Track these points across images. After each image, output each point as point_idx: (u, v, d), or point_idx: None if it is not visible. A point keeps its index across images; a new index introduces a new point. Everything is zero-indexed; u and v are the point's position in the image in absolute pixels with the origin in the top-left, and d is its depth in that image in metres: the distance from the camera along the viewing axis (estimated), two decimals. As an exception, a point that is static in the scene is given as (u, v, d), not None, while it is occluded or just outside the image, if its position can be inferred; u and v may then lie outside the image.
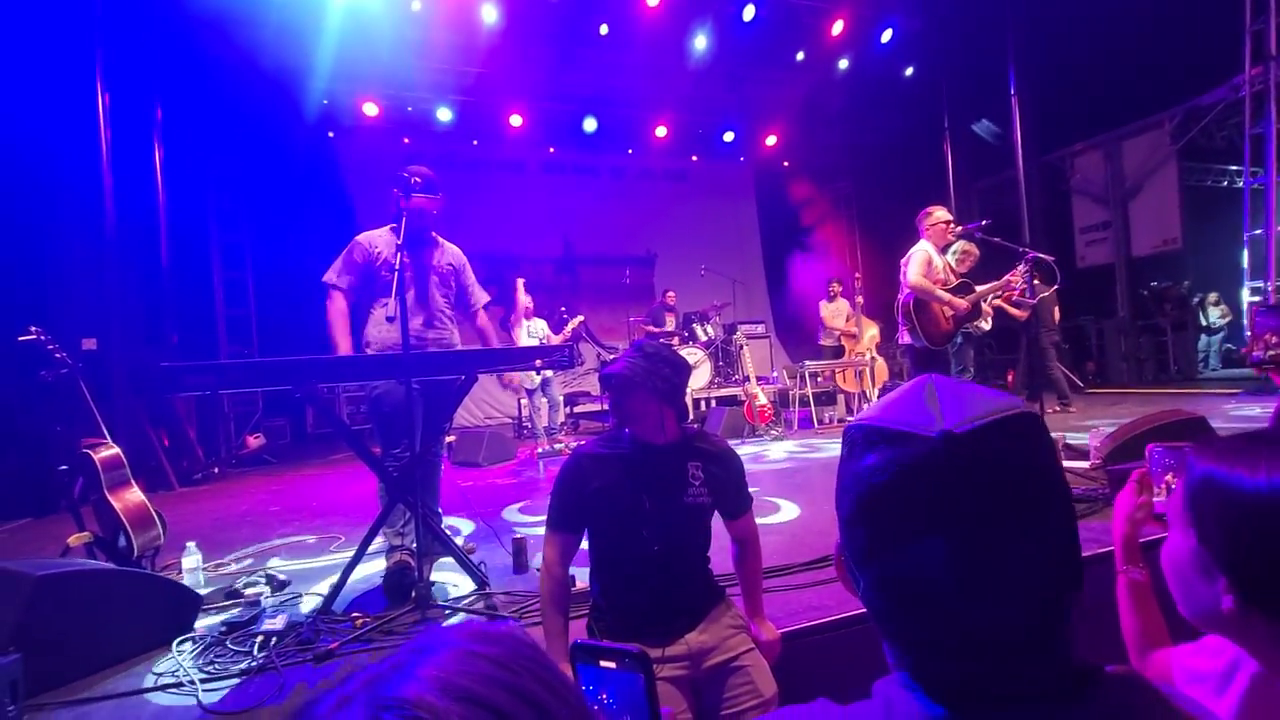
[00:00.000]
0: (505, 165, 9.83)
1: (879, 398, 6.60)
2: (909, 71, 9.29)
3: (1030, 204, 8.62)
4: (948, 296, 3.80)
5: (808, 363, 7.11)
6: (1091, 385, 8.77)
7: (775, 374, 8.15)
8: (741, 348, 7.02)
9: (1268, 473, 0.61)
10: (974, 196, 9.70)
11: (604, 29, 7.73)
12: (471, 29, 7.46)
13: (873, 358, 7.28)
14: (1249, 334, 5.58)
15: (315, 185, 8.57)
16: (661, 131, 10.05)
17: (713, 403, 7.55)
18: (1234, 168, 9.34)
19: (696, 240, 10.51)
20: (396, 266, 2.30)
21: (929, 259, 3.85)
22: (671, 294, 8.21)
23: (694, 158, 11.02)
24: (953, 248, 4.11)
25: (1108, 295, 9.68)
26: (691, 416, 7.00)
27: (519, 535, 2.76)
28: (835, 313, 7.85)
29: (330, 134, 8.82)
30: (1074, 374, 7.87)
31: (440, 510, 2.96)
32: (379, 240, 2.81)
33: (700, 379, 7.60)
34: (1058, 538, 0.49)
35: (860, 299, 7.44)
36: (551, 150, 10.07)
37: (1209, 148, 9.11)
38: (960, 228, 4.07)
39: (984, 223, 4.03)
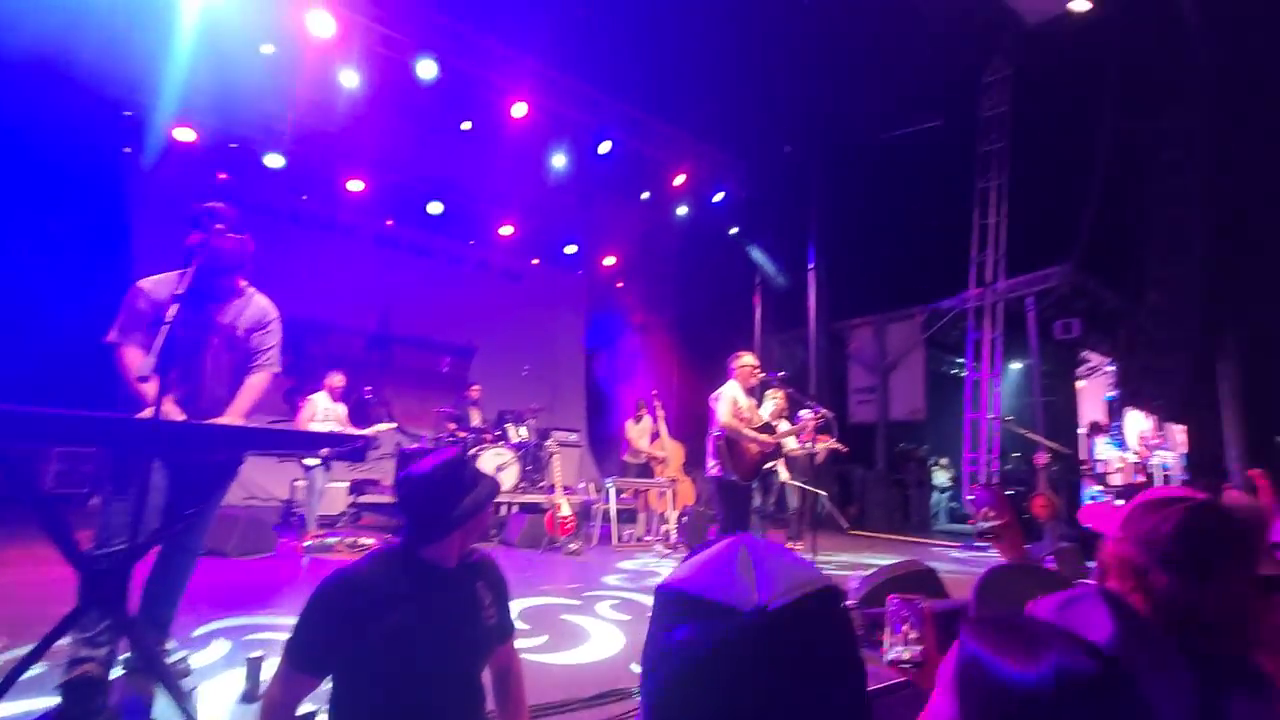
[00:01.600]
0: (333, 228, 9.25)
1: (678, 523, 6.85)
2: (733, 231, 10.59)
3: (818, 363, 9.94)
4: (755, 435, 4.12)
5: (614, 479, 7.20)
6: (852, 528, 9.90)
7: (582, 485, 8.12)
8: (552, 455, 6.94)
9: (1034, 667, 0.65)
10: (774, 347, 10.98)
11: (467, 125, 7.91)
12: (327, 86, 7.20)
13: (677, 480, 7.57)
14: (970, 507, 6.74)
15: (86, 203, 7.28)
16: (507, 230, 10.23)
17: (515, 508, 7.26)
18: (961, 360, 11.70)
19: (522, 341, 10.49)
20: (167, 319, 1.92)
21: (735, 399, 4.19)
22: (476, 388, 7.92)
23: (534, 261, 11.28)
24: (769, 395, 4.54)
25: (870, 449, 11.23)
26: (492, 520, 6.67)
27: (256, 655, 2.29)
28: (640, 433, 8.05)
29: (127, 149, 7.70)
30: (841, 514, 8.83)
31: (169, 627, 2.38)
32: (164, 287, 2.32)
33: (507, 481, 7.31)
34: (855, 706, 0.50)
35: (663, 420, 7.74)
36: (389, 223, 9.72)
37: (946, 341, 11.32)
38: (764, 374, 4.53)
39: (781, 374, 4.53)
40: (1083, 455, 8.23)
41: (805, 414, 4.69)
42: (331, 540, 5.51)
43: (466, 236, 10.33)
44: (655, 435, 7.80)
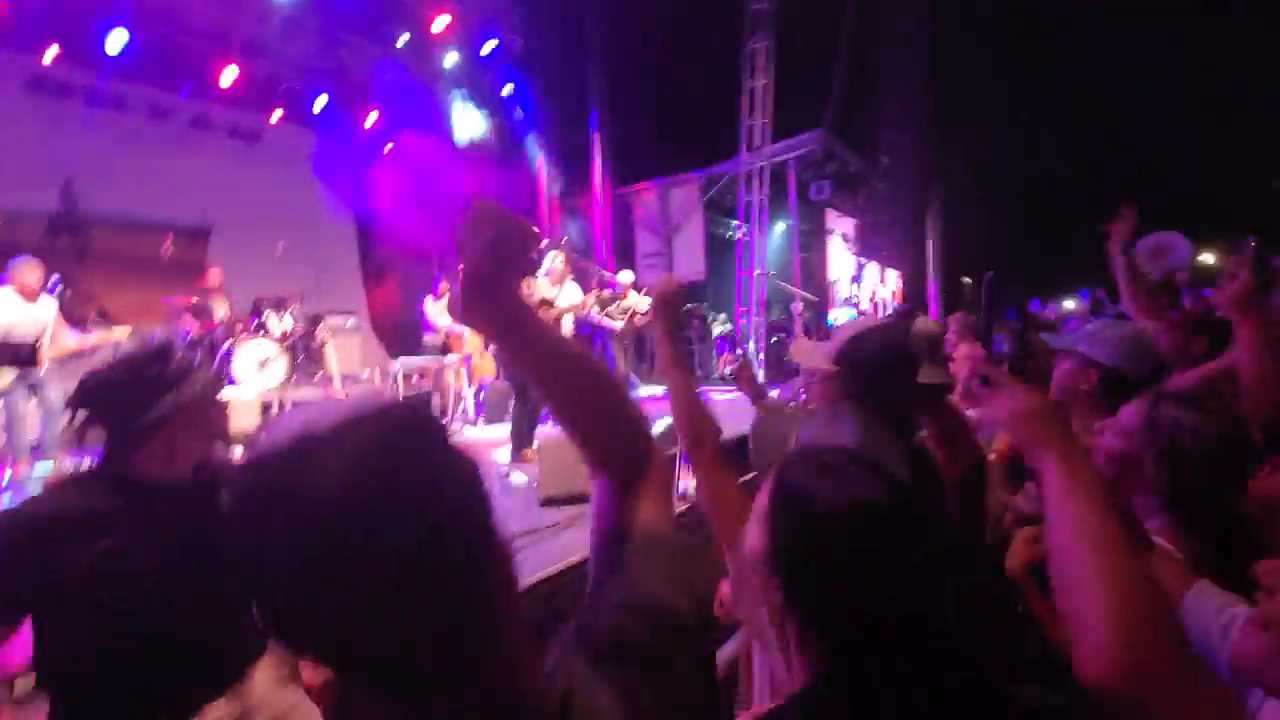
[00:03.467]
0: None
1: (475, 399, 6.74)
2: (508, 89, 9.78)
3: (606, 228, 10.01)
4: (541, 313, 4.04)
5: (401, 359, 6.77)
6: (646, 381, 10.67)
7: (366, 373, 7.54)
8: (325, 342, 6.28)
9: (839, 494, 0.73)
10: (561, 214, 10.78)
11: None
12: None
13: (472, 355, 7.29)
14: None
15: None
16: (231, 74, 8.23)
17: (288, 406, 6.55)
18: (734, 222, 12.60)
19: (272, 215, 8.91)
20: None
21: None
22: (216, 271, 6.69)
23: (275, 116, 9.39)
24: (550, 256, 4.41)
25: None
26: (260, 421, 5.95)
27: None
28: (441, 310, 7.50)
29: None
30: (637, 370, 9.42)
31: None
32: None
33: (273, 379, 6.50)
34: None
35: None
36: (50, 60, 7.29)
37: (722, 204, 12.03)
38: (547, 241, 4.40)
39: (565, 239, 4.45)
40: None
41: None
42: (46, 470, 4.52)
43: (175, 82, 8.18)
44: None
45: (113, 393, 1.27)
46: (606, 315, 6.31)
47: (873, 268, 11.18)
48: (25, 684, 1.50)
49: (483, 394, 6.70)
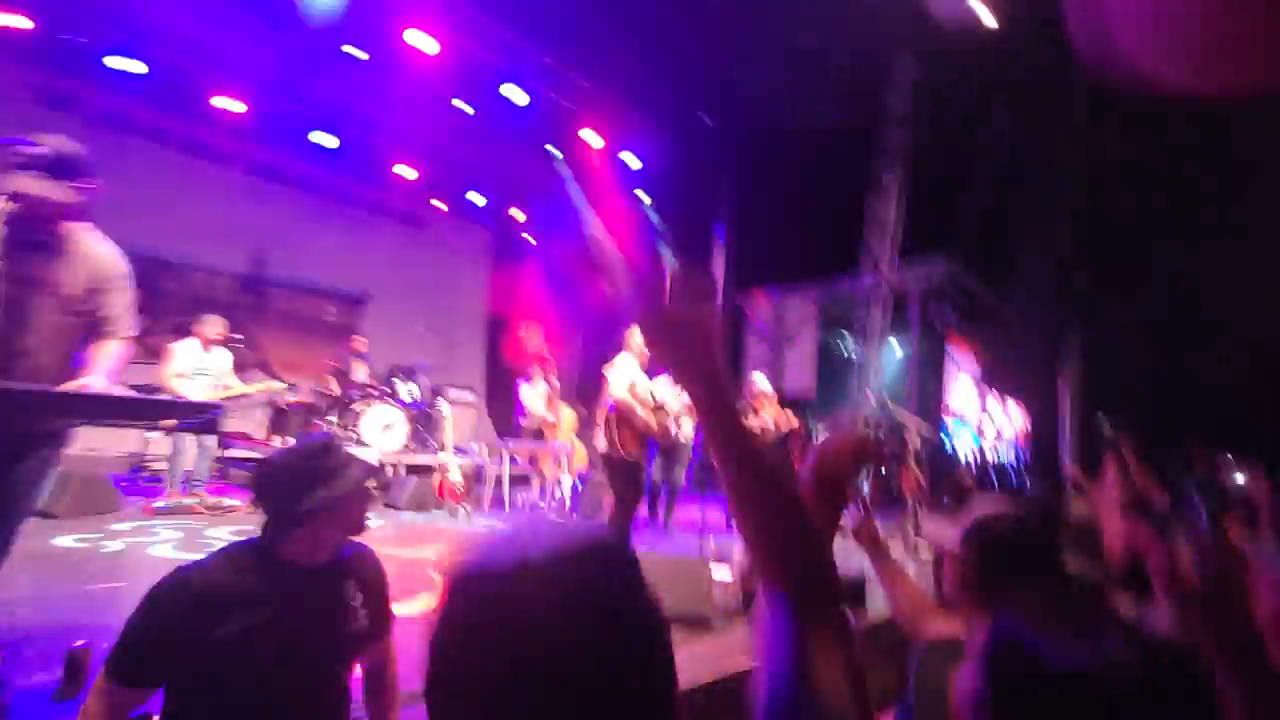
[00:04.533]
0: (202, 151, 8.22)
1: (573, 490, 6.83)
2: (647, 201, 10.48)
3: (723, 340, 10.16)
4: (648, 414, 4.10)
5: (510, 442, 7.04)
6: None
7: (475, 448, 7.87)
8: (444, 415, 6.68)
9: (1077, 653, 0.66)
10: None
11: (360, 53, 7.17)
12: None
13: (572, 444, 7.47)
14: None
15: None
16: (407, 172, 9.50)
17: (403, 470, 6.96)
18: (849, 337, 12.35)
19: (419, 293, 9.93)
20: None
21: (629, 371, 4.14)
22: (361, 339, 7.43)
23: (438, 204, 10.58)
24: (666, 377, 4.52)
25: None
26: (377, 482, 6.34)
27: (81, 645, 2.02)
28: (535, 396, 7.77)
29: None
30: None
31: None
32: None
33: (394, 442, 6.97)
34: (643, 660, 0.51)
35: (556, 383, 7.58)
36: (269, 152, 8.75)
37: (839, 319, 11.89)
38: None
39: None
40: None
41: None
42: (189, 500, 5.04)
43: (361, 175, 9.52)
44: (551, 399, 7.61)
45: (278, 481, 1.42)
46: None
47: (996, 403, 10.51)
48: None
49: (579, 485, 6.78)
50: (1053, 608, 1.21)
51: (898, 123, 9.24)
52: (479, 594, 0.50)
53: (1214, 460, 4.90)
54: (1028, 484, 8.91)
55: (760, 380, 6.26)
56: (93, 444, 6.72)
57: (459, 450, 6.89)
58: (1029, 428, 10.94)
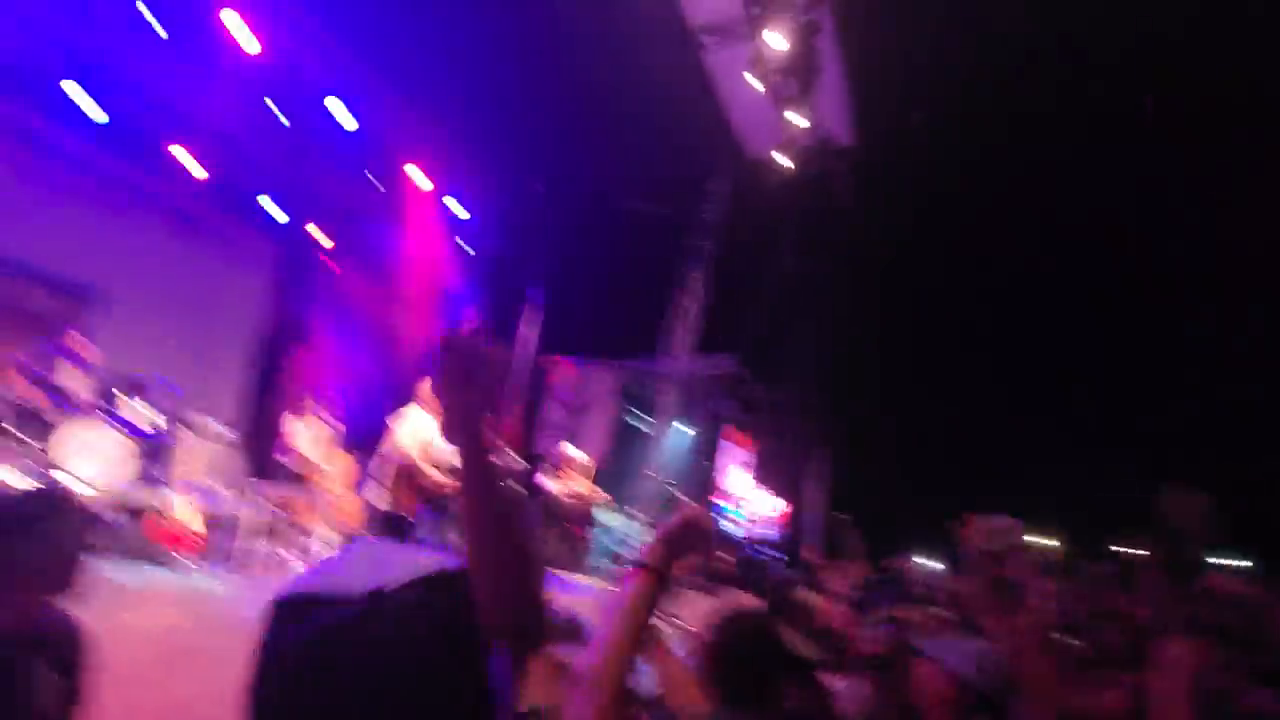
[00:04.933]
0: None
1: (339, 548, 6.09)
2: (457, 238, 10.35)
3: (519, 394, 10.12)
4: (437, 476, 3.86)
5: (265, 485, 6.15)
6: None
7: (215, 486, 6.68)
8: (179, 444, 5.66)
9: None
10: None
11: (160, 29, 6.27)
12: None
13: (342, 497, 6.68)
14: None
15: None
16: (196, 168, 8.14)
17: (123, 515, 5.65)
18: (642, 415, 13.00)
19: (177, 301, 8.44)
20: None
21: (419, 427, 3.92)
22: (79, 338, 6.02)
23: (221, 208, 9.24)
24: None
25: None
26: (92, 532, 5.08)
27: None
28: (306, 435, 6.68)
29: None
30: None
31: None
32: None
33: (106, 472, 5.65)
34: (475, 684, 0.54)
35: (336, 425, 6.87)
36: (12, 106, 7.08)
37: (637, 396, 12.49)
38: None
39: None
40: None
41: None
42: None
43: (131, 151, 8.03)
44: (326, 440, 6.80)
45: None
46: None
47: (760, 491, 11.71)
48: None
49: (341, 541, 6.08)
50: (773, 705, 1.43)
51: (707, 230, 10.34)
52: (325, 624, 0.50)
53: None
54: (778, 563, 9.98)
55: (571, 449, 6.34)
56: None
57: (195, 488, 5.84)
58: (785, 516, 12.31)
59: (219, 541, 5.65)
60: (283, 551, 6.12)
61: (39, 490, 1.22)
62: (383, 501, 3.78)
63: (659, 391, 10.57)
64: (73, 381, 5.87)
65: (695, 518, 1.19)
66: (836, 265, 11.25)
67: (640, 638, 1.06)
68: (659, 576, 1.08)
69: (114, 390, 6.26)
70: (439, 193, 9.49)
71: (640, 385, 12.03)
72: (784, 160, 8.56)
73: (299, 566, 5.96)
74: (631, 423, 13.59)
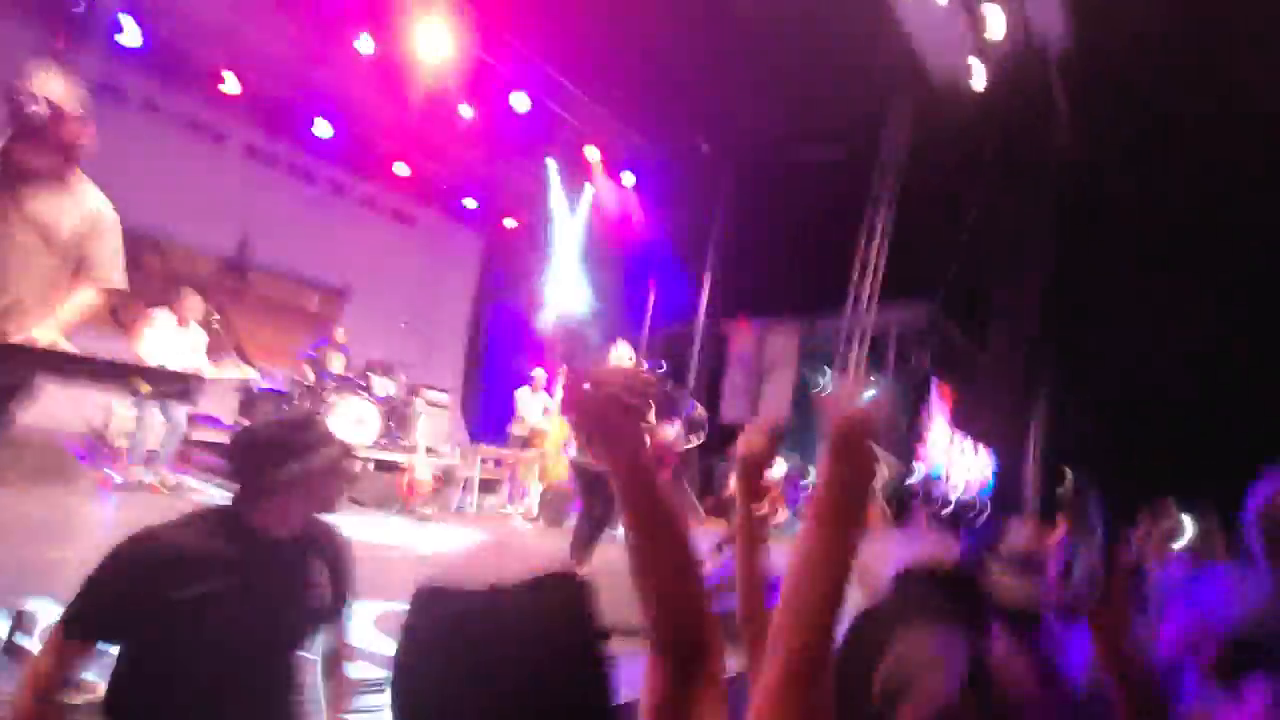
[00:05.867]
0: (201, 127, 8.15)
1: (541, 498, 6.78)
2: (637, 216, 10.60)
3: (700, 359, 10.27)
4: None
5: (480, 445, 7.00)
6: (709, 518, 10.36)
7: (448, 449, 7.79)
8: (418, 414, 6.63)
9: None
10: (659, 340, 11.18)
11: (366, 44, 7.17)
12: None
13: (554, 456, 7.32)
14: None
15: None
16: (403, 170, 9.49)
17: (370, 465, 6.86)
18: (829, 374, 12.48)
19: (404, 291, 9.86)
20: None
21: None
22: (342, 330, 7.37)
23: (430, 208, 10.58)
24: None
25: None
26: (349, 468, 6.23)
27: (26, 607, 1.97)
28: (534, 404, 7.68)
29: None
30: (700, 504, 9.21)
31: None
32: None
33: (365, 437, 6.87)
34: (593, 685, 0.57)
35: (557, 394, 7.58)
36: (264, 137, 8.68)
37: (819, 355, 12.03)
38: (644, 366, 4.57)
39: (661, 369, 4.60)
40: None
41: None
42: (149, 478, 4.91)
43: (356, 168, 9.48)
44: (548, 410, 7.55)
45: (255, 449, 1.43)
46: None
47: (965, 446, 10.69)
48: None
49: (549, 495, 6.75)
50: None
51: (888, 169, 9.50)
52: (446, 614, 0.54)
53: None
54: (986, 522, 9.07)
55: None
56: (50, 411, 6.53)
57: (430, 451, 6.81)
58: (994, 473, 11.14)
59: (446, 493, 6.58)
60: (498, 501, 7.00)
61: (312, 419, 1.50)
62: (578, 454, 4.10)
63: (843, 346, 10.06)
64: (336, 365, 7.17)
65: (851, 406, 0.90)
66: (1044, 194, 9.73)
67: (832, 591, 0.79)
68: (839, 511, 0.81)
69: (368, 371, 7.57)
70: (613, 167, 9.81)
71: (823, 343, 11.54)
72: (978, 73, 7.51)
73: (515, 518, 6.74)
74: (815, 382, 13.13)
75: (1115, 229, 9.99)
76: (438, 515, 6.03)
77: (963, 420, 10.35)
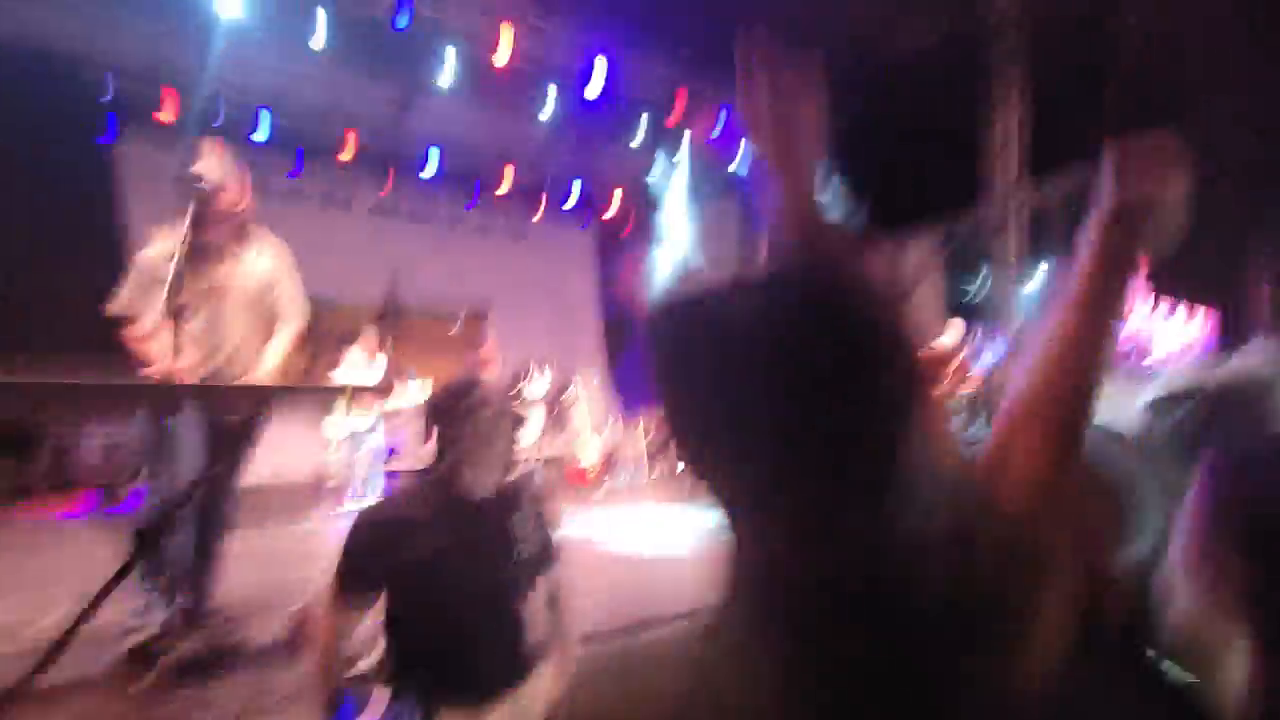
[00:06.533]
0: (330, 201, 9.07)
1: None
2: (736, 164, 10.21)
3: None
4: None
5: (642, 418, 7.12)
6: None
7: (611, 429, 8.02)
8: (575, 402, 6.87)
9: None
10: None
11: (449, 76, 7.51)
12: (297, 38, 6.91)
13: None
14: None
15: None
16: (505, 185, 9.92)
17: (541, 463, 7.25)
18: (981, 277, 11.34)
19: (531, 297, 10.36)
20: (169, 275, 1.85)
21: None
22: (490, 344, 7.69)
23: (537, 216, 10.98)
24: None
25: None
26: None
27: (300, 607, 2.26)
28: None
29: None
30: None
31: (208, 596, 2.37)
32: (161, 249, 2.26)
33: (528, 437, 7.27)
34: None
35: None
36: (384, 193, 9.47)
37: (966, 259, 10.96)
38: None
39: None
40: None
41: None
42: (370, 502, 5.54)
43: (463, 199, 10.10)
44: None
45: (438, 413, 1.52)
46: None
47: (1172, 311, 9.18)
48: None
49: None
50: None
51: (1006, 25, 8.39)
52: (689, 308, 0.50)
53: None
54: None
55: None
56: (277, 469, 7.59)
57: (594, 434, 7.05)
58: (1212, 330, 9.50)
59: (614, 474, 6.76)
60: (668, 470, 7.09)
61: (471, 384, 1.58)
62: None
63: (997, 239, 9.07)
64: (489, 377, 7.65)
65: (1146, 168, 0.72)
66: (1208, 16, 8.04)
67: (1106, 335, 0.65)
68: (1129, 221, 0.69)
69: (517, 378, 7.99)
70: (706, 108, 9.48)
71: (972, 243, 10.49)
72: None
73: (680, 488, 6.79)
74: (965, 291, 12.02)
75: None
76: (611, 496, 6.23)
77: (1165, 281, 8.91)
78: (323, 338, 7.56)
